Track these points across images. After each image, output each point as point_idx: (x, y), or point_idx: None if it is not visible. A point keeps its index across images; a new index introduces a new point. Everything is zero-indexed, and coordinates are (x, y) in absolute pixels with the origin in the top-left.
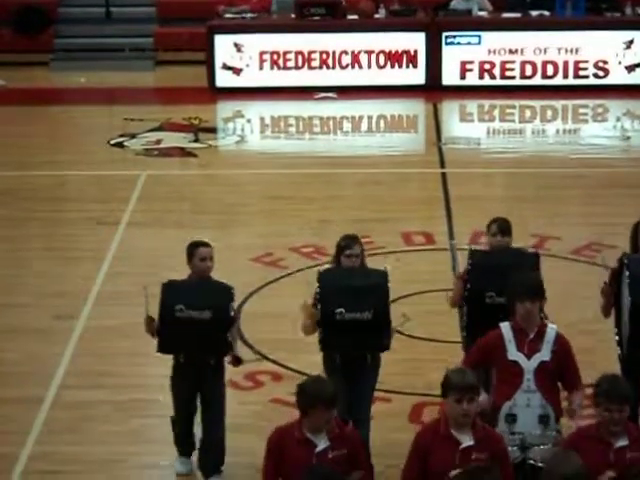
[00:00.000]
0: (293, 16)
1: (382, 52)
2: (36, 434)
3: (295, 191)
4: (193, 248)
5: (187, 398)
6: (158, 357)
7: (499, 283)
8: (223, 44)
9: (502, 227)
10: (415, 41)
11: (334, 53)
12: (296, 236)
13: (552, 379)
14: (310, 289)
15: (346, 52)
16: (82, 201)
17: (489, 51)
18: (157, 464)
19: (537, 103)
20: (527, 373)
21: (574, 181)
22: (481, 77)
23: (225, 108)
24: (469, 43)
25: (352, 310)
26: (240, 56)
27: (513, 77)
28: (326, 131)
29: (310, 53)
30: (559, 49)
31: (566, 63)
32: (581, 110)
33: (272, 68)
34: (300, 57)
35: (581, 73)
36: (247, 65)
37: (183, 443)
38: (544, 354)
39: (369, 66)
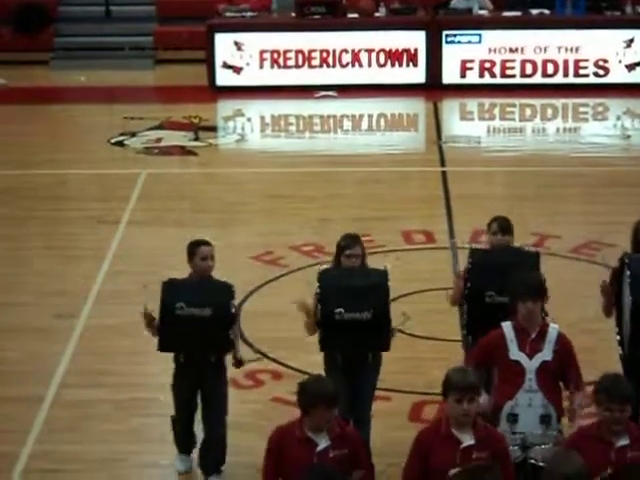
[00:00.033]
0: (293, 15)
1: (382, 51)
2: (36, 433)
3: (295, 190)
4: (194, 247)
5: (187, 397)
6: (158, 356)
7: (499, 282)
8: (223, 43)
9: (502, 226)
10: (415, 40)
11: (334, 52)
12: (296, 235)
13: (554, 379)
14: (310, 288)
15: (346, 51)
16: (82, 200)
17: (489, 50)
18: (157, 463)
19: (537, 102)
20: (529, 373)
21: (574, 180)
22: (481, 76)
23: (225, 107)
24: (469, 42)
25: (351, 310)
26: (240, 55)
27: (513, 76)
28: (326, 130)
29: (310, 52)
30: (559, 48)
31: (566, 62)
32: (581, 109)
33: (272, 67)
34: (300, 56)
35: (581, 72)
36: (247, 64)
37: (183, 442)
38: (546, 354)
39: (369, 65)
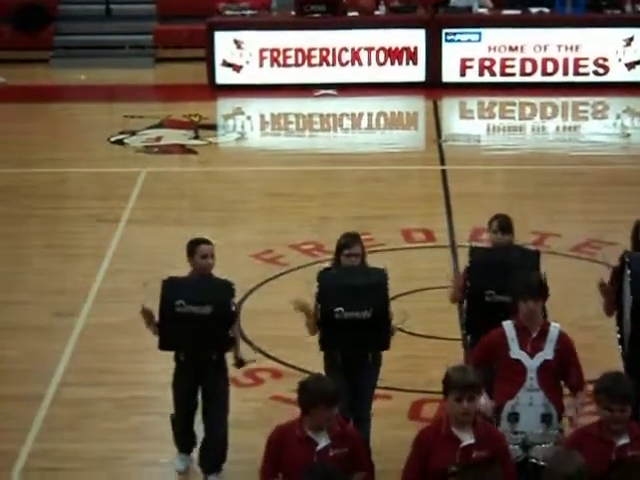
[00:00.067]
0: (293, 13)
1: (382, 49)
2: (36, 431)
3: (295, 188)
4: (194, 245)
5: (187, 396)
6: (158, 354)
7: (499, 281)
8: (223, 41)
9: (503, 225)
10: (415, 38)
11: (334, 50)
12: (296, 233)
13: (555, 378)
14: (310, 287)
15: (346, 49)
16: (82, 198)
17: (489, 48)
18: (157, 462)
19: (537, 100)
20: (530, 372)
21: (574, 178)
22: (481, 74)
23: (225, 105)
24: (469, 40)
25: (351, 309)
26: (240, 53)
27: (513, 74)
28: (326, 128)
29: (310, 50)
30: (559, 46)
31: (566, 60)
32: (581, 107)
33: (272, 65)
34: (300, 54)
35: (581, 70)
36: (247, 62)
37: (183, 441)
38: (547, 353)
39: (369, 63)
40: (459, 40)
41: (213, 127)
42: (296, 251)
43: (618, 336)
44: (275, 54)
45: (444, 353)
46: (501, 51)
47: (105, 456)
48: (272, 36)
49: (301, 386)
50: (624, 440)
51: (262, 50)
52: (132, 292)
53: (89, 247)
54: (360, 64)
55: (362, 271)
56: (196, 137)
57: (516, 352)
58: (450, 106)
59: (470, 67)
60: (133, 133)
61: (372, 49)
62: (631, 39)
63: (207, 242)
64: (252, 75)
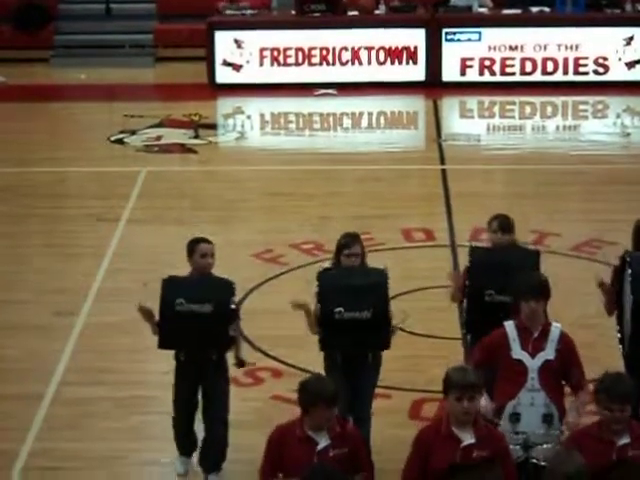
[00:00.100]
0: (293, 12)
1: (382, 48)
2: (36, 430)
3: (295, 187)
4: (194, 245)
5: (187, 397)
6: (158, 353)
7: (499, 281)
8: (223, 40)
9: (503, 224)
10: (415, 37)
11: (334, 49)
12: (296, 232)
13: (556, 378)
14: (310, 286)
15: (346, 48)
16: (82, 198)
17: (489, 47)
18: (157, 461)
19: (537, 99)
20: (531, 372)
21: (574, 177)
22: (481, 73)
23: (225, 104)
24: (469, 39)
25: (351, 309)
26: (240, 52)
27: (513, 73)
28: (326, 127)
29: (310, 49)
30: (559, 45)
31: (566, 59)
32: (581, 107)
33: (272, 64)
34: (300, 53)
35: (581, 69)
36: (247, 61)
37: (184, 443)
38: (548, 353)
39: (369, 62)
40: (459, 39)
41: (213, 126)
42: (296, 250)
43: (618, 335)
44: (275, 53)
45: (444, 352)
46: (501, 50)
47: (105, 455)
48: (272, 35)
49: (301, 386)
50: (624, 440)
51: (262, 49)
52: (132, 291)
53: (89, 246)
54: (360, 63)
55: (362, 271)
56: (196, 136)
57: (517, 352)
58: (450, 105)
59: (470, 66)
60: (133, 132)
61: (372, 48)
62: (631, 38)
63: (207, 241)
64: (252, 74)
